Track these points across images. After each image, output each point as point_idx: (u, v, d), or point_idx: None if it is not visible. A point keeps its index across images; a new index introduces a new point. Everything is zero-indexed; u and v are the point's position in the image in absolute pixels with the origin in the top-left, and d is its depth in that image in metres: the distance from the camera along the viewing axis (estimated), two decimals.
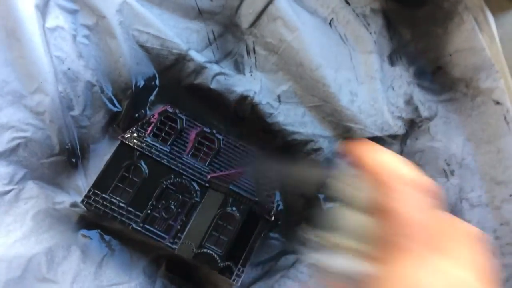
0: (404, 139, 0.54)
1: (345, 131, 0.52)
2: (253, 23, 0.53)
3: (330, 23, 0.54)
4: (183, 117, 0.50)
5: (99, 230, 0.46)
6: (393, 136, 0.53)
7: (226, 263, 0.45)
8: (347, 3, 0.55)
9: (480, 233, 0.24)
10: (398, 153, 0.49)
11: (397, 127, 0.53)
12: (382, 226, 0.24)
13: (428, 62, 0.56)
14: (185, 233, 0.45)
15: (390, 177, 0.25)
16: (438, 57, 0.56)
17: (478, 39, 0.53)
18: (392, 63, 0.55)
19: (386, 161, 0.26)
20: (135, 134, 0.48)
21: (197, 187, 0.47)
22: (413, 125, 0.54)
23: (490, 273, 0.23)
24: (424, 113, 0.54)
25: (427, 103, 0.55)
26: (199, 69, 0.52)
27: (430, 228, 0.23)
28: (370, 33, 0.54)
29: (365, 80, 0.53)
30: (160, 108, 0.50)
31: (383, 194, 0.24)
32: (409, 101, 0.54)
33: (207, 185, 0.47)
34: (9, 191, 0.45)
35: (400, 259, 0.23)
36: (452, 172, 0.53)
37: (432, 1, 0.55)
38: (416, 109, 0.54)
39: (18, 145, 0.46)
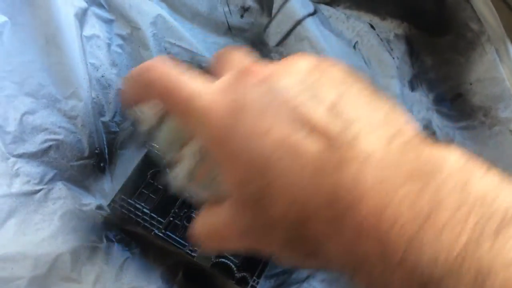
0: None
1: None
2: (280, 42, 0.55)
3: (354, 46, 0.56)
4: None
5: (122, 234, 0.48)
6: None
7: (242, 273, 0.46)
8: (372, 27, 0.56)
9: None
10: None
11: None
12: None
13: (448, 89, 0.57)
14: None
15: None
16: (458, 84, 0.57)
17: (499, 70, 0.54)
18: (412, 88, 0.57)
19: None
20: None
21: None
22: None
23: None
24: (442, 138, 0.55)
25: (445, 129, 0.56)
26: None
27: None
28: (393, 58, 0.56)
29: None
30: None
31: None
32: (427, 126, 0.56)
33: None
34: (39, 190, 0.46)
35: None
36: None
37: (455, 31, 0.56)
38: (434, 134, 0.55)
39: (50, 147, 0.47)
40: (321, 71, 0.23)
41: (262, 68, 0.24)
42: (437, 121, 0.56)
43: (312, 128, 0.20)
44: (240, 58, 0.27)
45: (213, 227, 0.26)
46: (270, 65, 0.24)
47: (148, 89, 0.26)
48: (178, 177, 0.28)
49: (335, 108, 0.21)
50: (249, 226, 0.23)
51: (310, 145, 0.20)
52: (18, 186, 0.45)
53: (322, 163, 0.20)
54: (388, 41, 0.56)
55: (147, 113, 0.28)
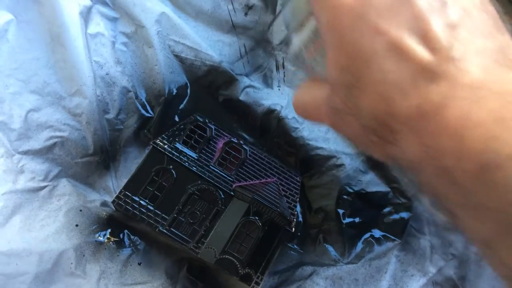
0: None
1: None
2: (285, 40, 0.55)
3: None
4: (212, 127, 0.52)
5: (126, 230, 0.48)
6: None
7: (246, 270, 0.46)
8: None
9: None
10: None
11: None
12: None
13: None
14: (208, 238, 0.47)
15: None
16: None
17: None
18: None
19: None
20: (166, 140, 0.50)
21: (222, 195, 0.48)
22: None
23: None
24: None
25: None
26: (230, 80, 0.54)
27: None
28: None
29: None
30: (190, 116, 0.52)
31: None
32: None
33: (232, 193, 0.49)
34: (44, 187, 0.47)
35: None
36: None
37: None
38: None
39: (55, 144, 0.48)
40: None
41: None
42: None
43: (427, 38, 0.21)
44: None
45: (311, 99, 0.28)
46: None
47: None
48: (295, 42, 0.29)
49: (456, 27, 0.22)
50: (336, 108, 0.25)
51: (418, 52, 0.21)
52: (23, 182, 0.46)
53: (423, 70, 0.21)
54: None
55: None
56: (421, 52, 0.21)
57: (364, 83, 0.22)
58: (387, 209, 0.53)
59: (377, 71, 0.22)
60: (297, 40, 0.28)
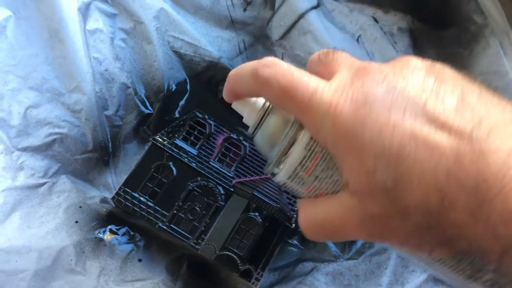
0: None
1: None
2: (284, 36, 0.55)
3: (358, 40, 0.56)
4: (212, 123, 0.52)
5: (126, 227, 0.48)
6: None
7: (247, 266, 0.46)
8: (375, 21, 0.56)
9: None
10: None
11: None
12: None
13: None
14: (208, 234, 0.46)
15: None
16: None
17: (503, 63, 0.54)
18: None
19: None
20: (165, 137, 0.50)
21: (222, 191, 0.48)
22: None
23: None
24: None
25: None
26: None
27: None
28: (397, 51, 0.56)
29: None
30: (190, 112, 0.52)
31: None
32: None
33: (231, 189, 0.48)
34: (43, 184, 0.47)
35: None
36: None
37: (458, 24, 0.56)
38: None
39: (54, 140, 0.48)
40: (437, 71, 0.24)
41: (378, 67, 0.24)
42: None
43: (442, 124, 0.21)
44: (347, 57, 0.28)
45: (325, 218, 0.26)
46: (383, 64, 0.25)
47: (263, 86, 0.27)
48: (285, 170, 0.27)
49: (462, 105, 0.22)
50: (373, 216, 0.23)
51: (442, 139, 0.21)
52: (22, 179, 0.46)
53: (461, 154, 0.21)
54: (392, 34, 0.56)
55: (251, 108, 0.30)
56: (443, 138, 0.21)
57: (404, 180, 0.21)
58: None
59: (412, 165, 0.21)
60: (289, 166, 0.27)
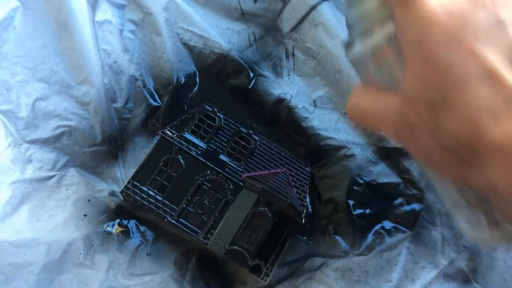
0: None
1: (378, 140, 0.53)
2: (294, 28, 0.54)
3: None
4: (221, 116, 0.51)
5: (135, 221, 0.48)
6: None
7: (256, 261, 0.46)
8: None
9: None
10: None
11: None
12: None
13: None
14: (217, 229, 0.46)
15: None
16: None
17: None
18: None
19: None
20: (174, 130, 0.49)
21: (231, 185, 0.48)
22: None
23: None
24: None
25: None
26: (239, 69, 0.53)
27: None
28: None
29: None
30: (199, 105, 0.51)
31: None
32: None
33: (241, 184, 0.48)
34: (52, 176, 0.46)
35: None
36: None
37: None
38: None
39: (62, 133, 0.47)
40: None
41: None
42: None
43: None
44: None
45: (372, 106, 0.28)
46: None
47: None
48: (359, 46, 0.28)
49: None
50: (412, 123, 0.24)
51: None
52: (31, 172, 0.45)
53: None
54: None
55: None
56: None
57: (453, 104, 0.22)
58: (398, 200, 0.52)
59: (469, 94, 0.22)
60: (363, 45, 0.28)
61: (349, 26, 0.29)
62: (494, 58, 0.21)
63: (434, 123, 0.23)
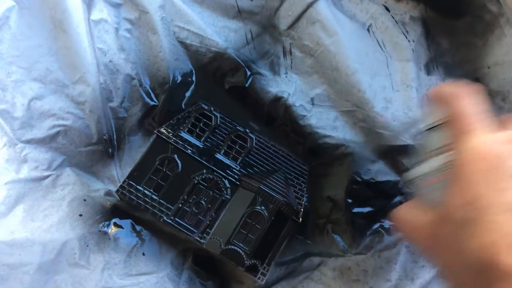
0: None
1: (377, 138, 0.52)
2: (292, 25, 0.54)
3: (368, 29, 0.54)
4: (218, 115, 0.51)
5: (131, 220, 0.47)
6: None
7: (252, 261, 0.45)
8: (387, 9, 0.54)
9: None
10: None
11: None
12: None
13: (465, 73, 0.56)
14: (214, 228, 0.46)
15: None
16: (475, 68, 0.55)
17: None
18: (428, 72, 0.55)
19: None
20: (170, 129, 0.49)
21: (227, 185, 0.47)
22: None
23: None
24: None
25: None
26: (236, 67, 0.53)
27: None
28: (409, 41, 0.54)
29: (401, 88, 0.53)
30: (195, 104, 0.51)
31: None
32: None
33: (237, 183, 0.48)
34: (47, 176, 0.46)
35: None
36: None
37: (473, 13, 0.54)
38: None
39: (58, 132, 0.47)
40: None
41: None
42: None
43: None
44: None
45: (413, 218, 0.33)
46: None
47: (451, 100, 0.32)
48: (418, 169, 0.35)
49: None
50: (440, 236, 0.29)
51: None
52: (26, 172, 0.45)
53: None
54: (404, 24, 0.54)
55: (434, 114, 0.35)
56: None
57: (480, 225, 0.26)
58: (397, 199, 0.52)
59: (494, 221, 0.26)
60: (420, 169, 0.34)
61: (414, 155, 0.36)
62: None
63: (459, 240, 0.27)
